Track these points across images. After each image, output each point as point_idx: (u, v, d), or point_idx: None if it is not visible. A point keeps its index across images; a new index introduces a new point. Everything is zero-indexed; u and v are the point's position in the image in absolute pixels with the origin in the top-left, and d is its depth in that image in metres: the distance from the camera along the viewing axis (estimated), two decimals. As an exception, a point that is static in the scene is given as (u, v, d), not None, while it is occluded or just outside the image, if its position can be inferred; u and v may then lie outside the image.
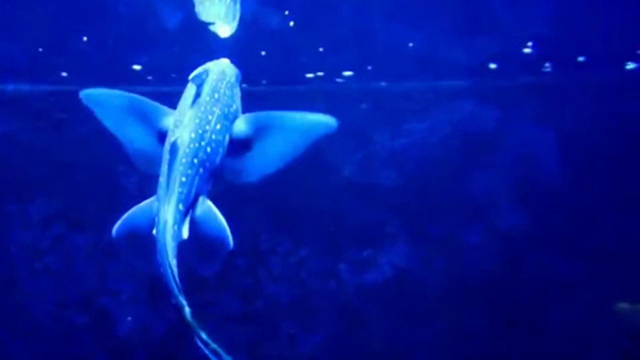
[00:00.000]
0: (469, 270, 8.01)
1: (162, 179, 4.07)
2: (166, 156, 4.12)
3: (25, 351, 7.81)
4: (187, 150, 4.09)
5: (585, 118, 8.00)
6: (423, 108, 8.20)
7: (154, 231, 3.97)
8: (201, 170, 4.15)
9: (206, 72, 4.41)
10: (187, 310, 3.77)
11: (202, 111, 4.24)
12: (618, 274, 7.87)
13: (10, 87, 7.83)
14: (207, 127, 4.21)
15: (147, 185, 7.86)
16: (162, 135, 4.37)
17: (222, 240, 4.19)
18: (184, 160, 4.07)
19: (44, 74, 7.69)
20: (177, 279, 3.84)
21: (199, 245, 4.16)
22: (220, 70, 4.50)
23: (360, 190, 8.07)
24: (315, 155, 7.94)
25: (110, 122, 4.54)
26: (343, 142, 8.04)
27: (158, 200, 4.06)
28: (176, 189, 4.00)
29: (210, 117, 4.26)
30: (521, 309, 7.94)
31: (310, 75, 7.91)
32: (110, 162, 7.80)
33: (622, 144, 8.01)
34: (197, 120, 4.20)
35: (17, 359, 7.79)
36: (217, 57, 4.65)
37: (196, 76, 4.36)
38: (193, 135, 4.14)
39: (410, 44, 7.57)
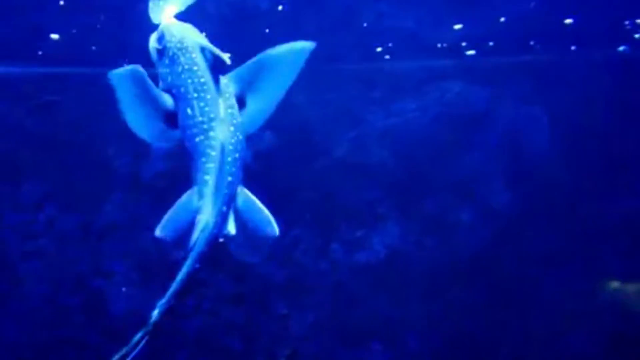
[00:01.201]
0: (460, 248, 8.07)
1: (209, 178, 3.90)
2: (211, 153, 3.93)
3: (18, 333, 7.82)
4: (231, 147, 3.95)
5: (575, 96, 8.03)
6: (414, 88, 8.21)
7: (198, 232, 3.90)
8: (239, 161, 4.03)
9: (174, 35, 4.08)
10: (155, 314, 3.71)
11: (227, 98, 4.05)
12: (607, 251, 7.95)
13: (0, 70, 7.79)
14: (235, 114, 4.08)
15: (137, 167, 7.94)
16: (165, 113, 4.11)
17: (267, 227, 4.08)
18: (229, 159, 3.94)
19: (33, 56, 7.65)
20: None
21: (244, 234, 4.06)
22: (196, 32, 4.18)
23: (352, 170, 8.10)
24: (307, 136, 8.07)
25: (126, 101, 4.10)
26: (334, 122, 8.07)
27: (201, 197, 3.92)
28: (224, 191, 3.90)
29: (232, 101, 4.09)
30: (511, 286, 8.00)
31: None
32: (101, 143, 7.79)
33: (611, 122, 8.06)
34: (229, 110, 4.03)
35: (10, 341, 7.79)
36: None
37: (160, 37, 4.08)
38: (232, 128, 4.00)
39: (400, 24, 7.54)
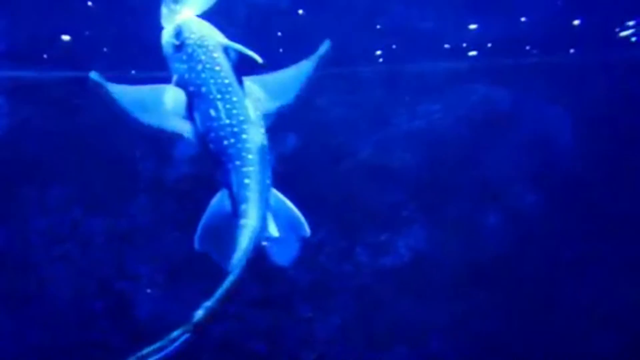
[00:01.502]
0: (486, 251, 7.99)
1: (250, 182, 3.82)
2: (248, 156, 3.87)
3: (43, 337, 7.85)
4: (266, 149, 3.93)
5: (600, 97, 7.95)
6: (438, 90, 8.16)
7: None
8: (270, 163, 3.99)
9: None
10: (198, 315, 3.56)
11: (253, 100, 4.03)
12: (636, 252, 7.86)
13: (27, 74, 7.84)
14: (261, 115, 4.05)
15: (161, 170, 7.96)
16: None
17: (299, 227, 4.06)
18: (266, 159, 3.92)
19: (60, 60, 7.70)
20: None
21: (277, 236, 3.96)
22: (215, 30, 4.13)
23: (377, 173, 8.06)
24: (330, 138, 8.04)
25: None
26: (358, 124, 8.04)
27: (241, 201, 3.82)
28: (266, 193, 3.86)
29: (258, 103, 4.06)
30: (537, 289, 7.93)
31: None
32: (126, 147, 7.82)
33: (636, 123, 7.98)
34: (257, 112, 4.01)
35: (35, 344, 7.82)
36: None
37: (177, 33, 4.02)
38: (262, 130, 3.99)
39: (423, 25, 7.49)
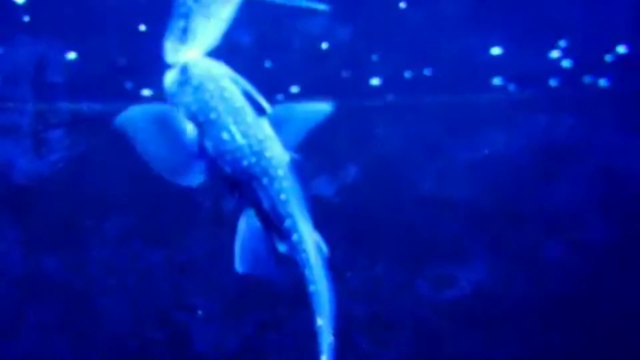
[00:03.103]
0: (551, 287, 7.81)
1: (289, 197, 3.85)
2: (278, 172, 3.88)
3: (102, 367, 7.93)
4: (294, 165, 3.94)
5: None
6: (500, 119, 8.05)
7: (281, 248, 3.89)
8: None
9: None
10: (330, 340, 3.72)
11: (267, 120, 4.03)
12: None
13: (84, 106, 7.96)
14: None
15: (219, 201, 7.99)
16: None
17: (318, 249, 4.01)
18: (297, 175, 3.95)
19: (117, 91, 7.81)
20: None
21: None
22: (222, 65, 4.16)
23: (438, 204, 7.95)
24: (391, 170, 8.00)
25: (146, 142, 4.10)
26: (419, 155, 7.98)
27: (290, 218, 3.85)
28: (304, 207, 3.89)
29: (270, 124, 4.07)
30: (606, 329, 7.70)
31: (382, 88, 7.89)
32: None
33: None
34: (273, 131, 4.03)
35: (95, 375, 7.91)
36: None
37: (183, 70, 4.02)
38: (281, 146, 3.98)
39: (485, 54, 7.47)
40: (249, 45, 7.22)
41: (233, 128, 3.89)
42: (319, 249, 3.93)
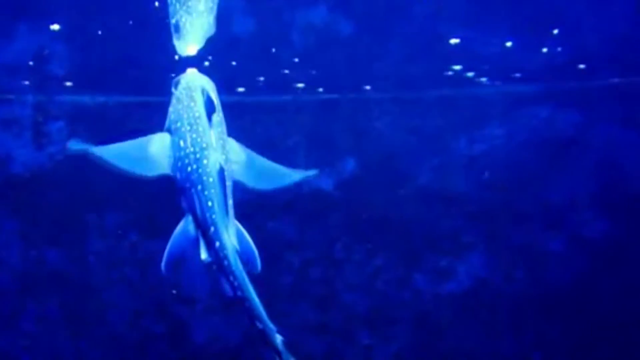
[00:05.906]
0: (550, 280, 7.83)
1: (214, 205, 4.07)
2: (209, 179, 4.12)
3: (103, 359, 7.90)
4: (227, 172, 4.16)
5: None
6: (499, 114, 8.05)
7: (203, 256, 4.12)
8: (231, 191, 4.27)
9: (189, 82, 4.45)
10: (278, 338, 4.05)
11: (219, 131, 4.30)
12: None
13: (87, 99, 7.96)
14: (226, 146, 4.32)
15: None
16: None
17: (252, 262, 4.25)
18: (228, 183, 4.16)
19: (119, 85, 7.81)
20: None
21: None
22: (207, 81, 4.52)
23: (437, 198, 7.96)
24: (389, 164, 8.00)
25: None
26: (419, 149, 7.98)
27: (213, 225, 4.07)
28: (231, 215, 4.09)
29: (223, 133, 4.34)
30: (605, 321, 7.71)
31: (382, 82, 7.89)
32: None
33: None
34: (221, 141, 4.26)
35: (95, 367, 7.92)
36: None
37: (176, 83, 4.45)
38: (224, 156, 4.22)
39: (485, 49, 7.46)
40: (248, 37, 7.21)
41: (187, 136, 4.21)
42: (254, 261, 4.18)
